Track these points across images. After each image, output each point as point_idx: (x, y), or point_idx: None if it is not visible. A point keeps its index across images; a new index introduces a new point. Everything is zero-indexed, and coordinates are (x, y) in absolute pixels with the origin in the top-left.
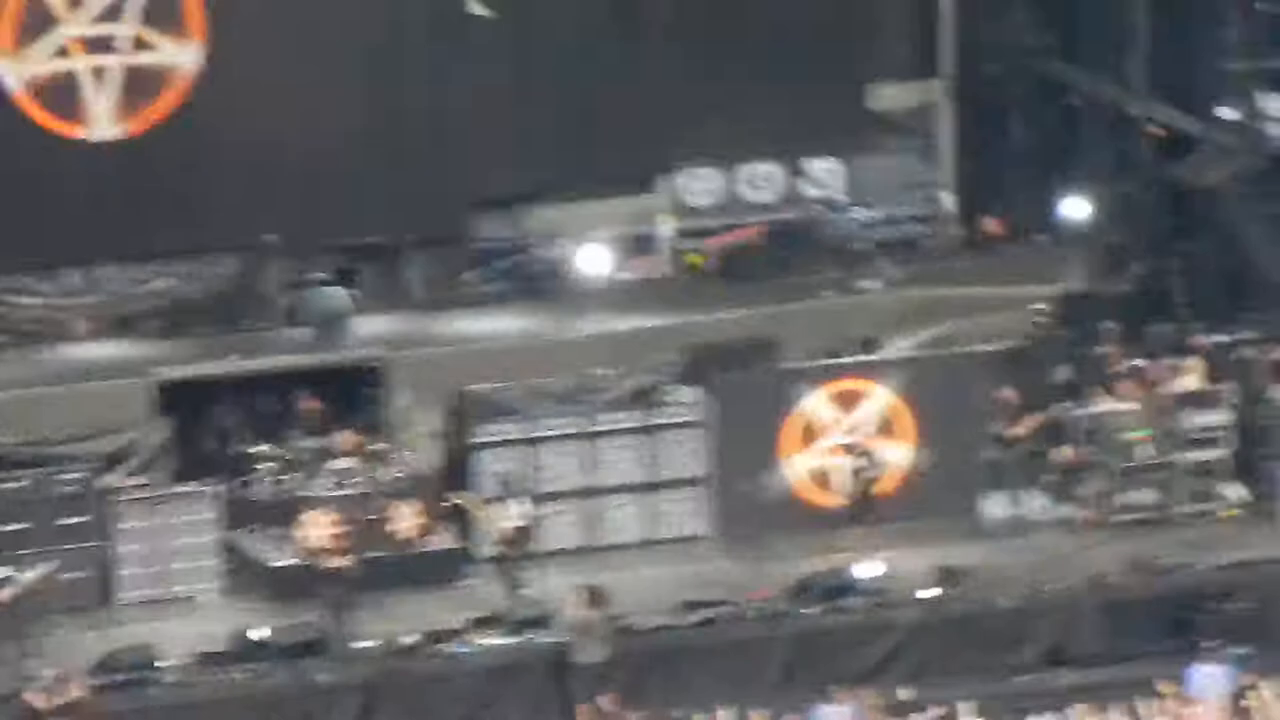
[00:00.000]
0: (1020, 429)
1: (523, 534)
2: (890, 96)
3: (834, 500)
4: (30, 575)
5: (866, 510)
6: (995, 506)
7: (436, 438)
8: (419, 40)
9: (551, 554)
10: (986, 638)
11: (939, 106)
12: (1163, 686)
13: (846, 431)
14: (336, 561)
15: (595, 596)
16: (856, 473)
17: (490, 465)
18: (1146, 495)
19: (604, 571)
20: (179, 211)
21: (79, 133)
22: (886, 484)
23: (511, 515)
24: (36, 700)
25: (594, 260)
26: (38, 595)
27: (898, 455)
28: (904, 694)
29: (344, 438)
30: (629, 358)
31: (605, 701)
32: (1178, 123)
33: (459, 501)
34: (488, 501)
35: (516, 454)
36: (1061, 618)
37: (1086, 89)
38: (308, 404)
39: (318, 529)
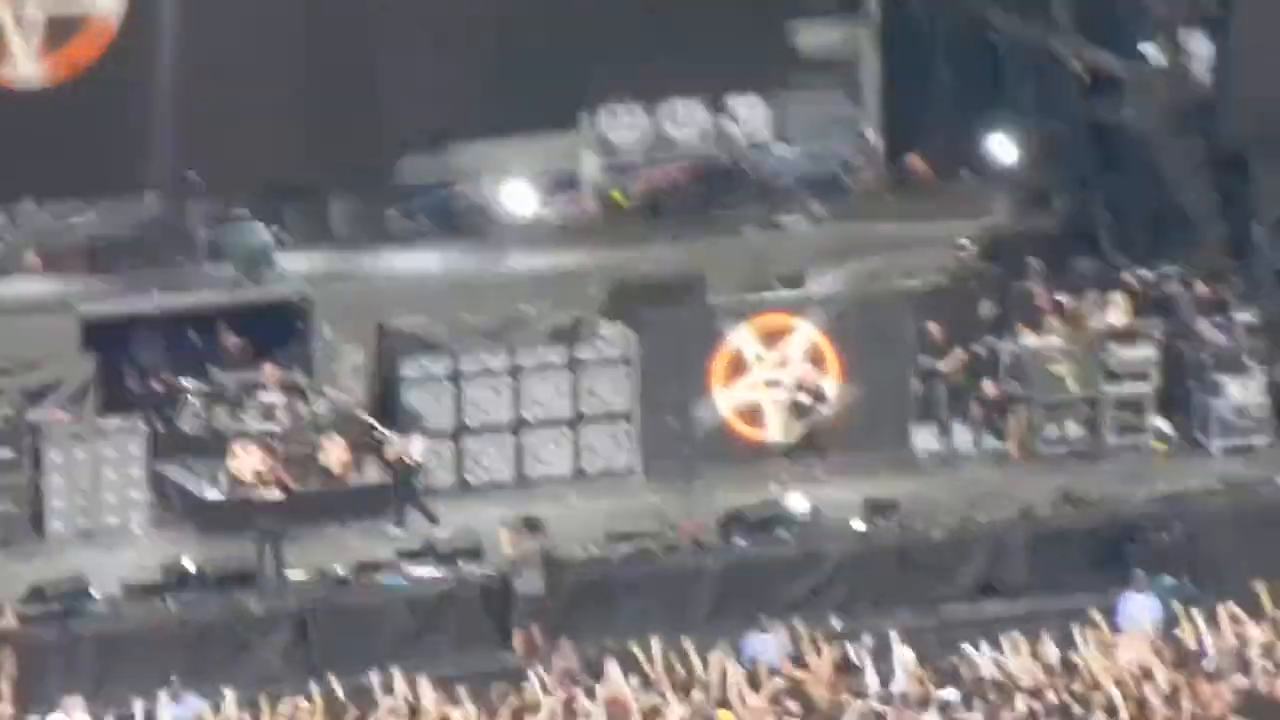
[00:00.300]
0: (946, 364)
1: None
2: (815, 35)
3: (763, 434)
4: None
5: (811, 446)
6: (924, 439)
7: (361, 373)
8: None
9: (481, 487)
10: (917, 569)
11: (863, 45)
12: (1093, 615)
13: (773, 366)
14: (266, 494)
15: (532, 527)
16: (801, 409)
17: (415, 400)
18: (1073, 429)
19: (533, 505)
20: (102, 150)
21: (2, 76)
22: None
23: (414, 449)
24: None
25: (518, 198)
26: None
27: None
28: (835, 624)
29: (267, 371)
30: (554, 295)
31: (536, 634)
32: (1102, 61)
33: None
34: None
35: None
36: (992, 549)
37: (1011, 28)
38: (229, 340)
39: (247, 462)
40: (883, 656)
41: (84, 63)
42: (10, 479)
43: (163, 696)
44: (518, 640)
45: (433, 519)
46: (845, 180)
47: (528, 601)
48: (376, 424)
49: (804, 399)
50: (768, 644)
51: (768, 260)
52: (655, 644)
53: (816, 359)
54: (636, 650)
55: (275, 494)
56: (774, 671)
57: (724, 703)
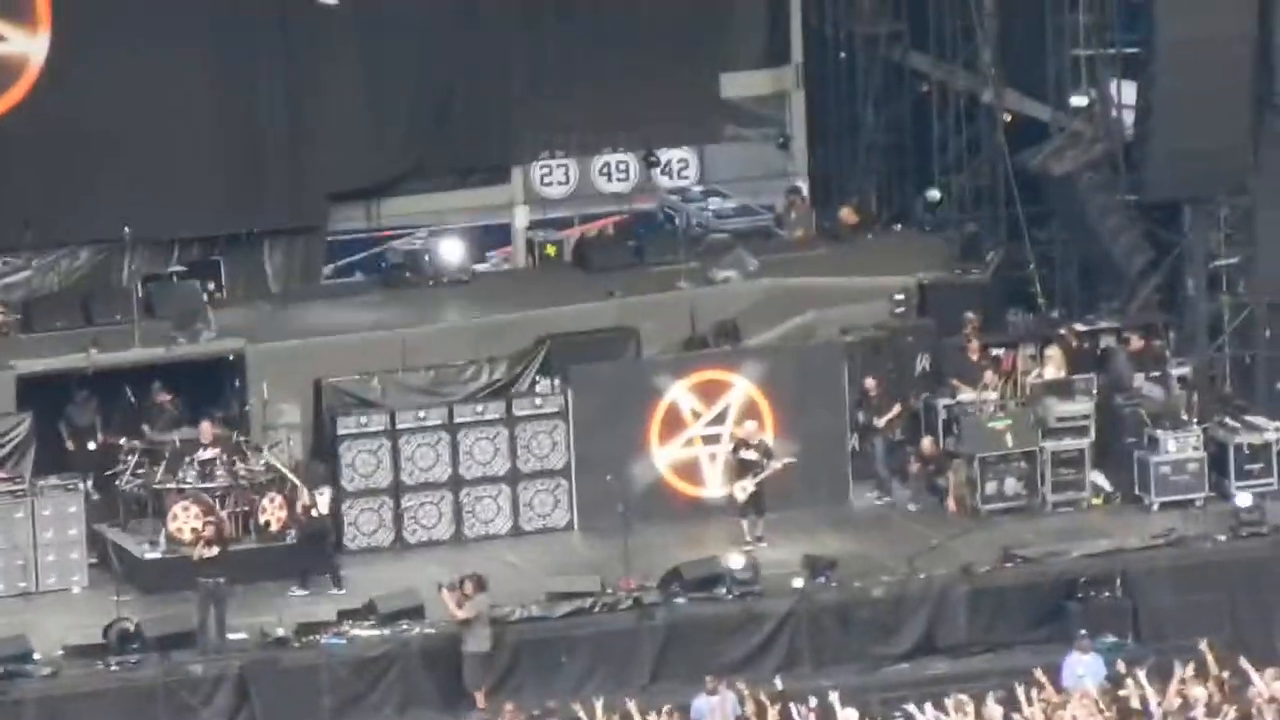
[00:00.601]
0: (882, 419)
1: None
2: (743, 86)
3: (700, 490)
4: None
5: (755, 504)
6: (861, 496)
7: (297, 430)
8: (272, 32)
9: (420, 545)
10: (858, 627)
11: (791, 95)
12: (1037, 675)
13: (710, 422)
14: (205, 553)
15: (479, 585)
16: (748, 466)
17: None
18: (1012, 485)
19: (472, 563)
20: (34, 203)
21: None
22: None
23: (321, 502)
24: None
25: (450, 251)
26: None
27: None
28: (778, 683)
29: (203, 428)
30: (487, 349)
31: (479, 696)
32: (1029, 110)
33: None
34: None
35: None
36: (933, 607)
37: (938, 76)
38: (161, 397)
39: (185, 521)
40: (825, 716)
41: (11, 110)
42: None
43: None
44: (480, 700)
45: (337, 581)
46: (777, 232)
47: (469, 661)
48: (288, 473)
49: (751, 456)
50: (715, 704)
51: (701, 314)
52: (598, 704)
53: (752, 414)
54: (579, 711)
55: (214, 553)
56: None
57: None
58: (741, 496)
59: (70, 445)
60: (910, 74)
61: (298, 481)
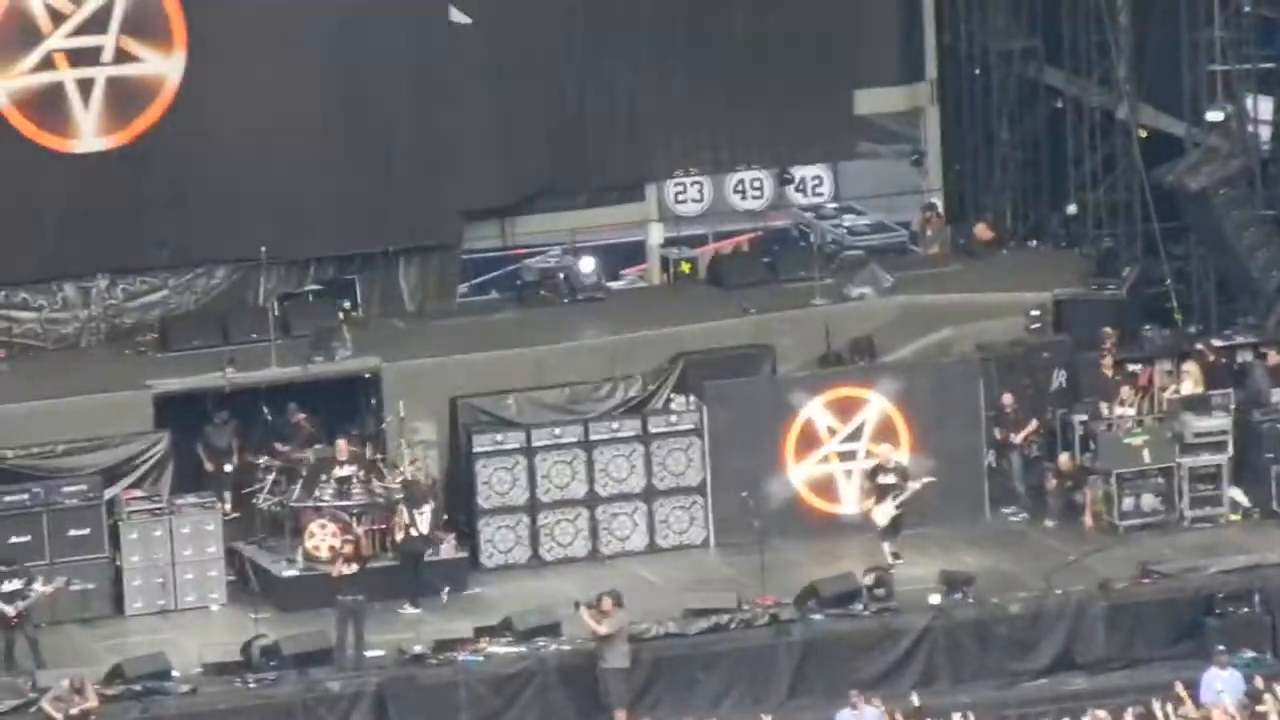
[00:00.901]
0: (1019, 435)
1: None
2: (878, 103)
3: (836, 507)
4: (42, 589)
5: (895, 527)
6: (999, 512)
7: (433, 447)
8: (406, 50)
9: (556, 562)
10: (996, 643)
11: (925, 112)
12: (1176, 691)
13: (844, 439)
14: (344, 570)
15: (617, 602)
16: (887, 490)
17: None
18: (1149, 501)
19: (608, 580)
20: (170, 223)
21: (67, 145)
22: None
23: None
24: (52, 710)
25: (586, 269)
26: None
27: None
28: (915, 700)
29: (339, 446)
30: (623, 366)
31: (620, 714)
32: (1165, 125)
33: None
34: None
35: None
36: (1070, 623)
37: (1072, 92)
38: (298, 416)
39: (322, 539)
40: None
41: (148, 130)
42: (88, 558)
43: None
44: (621, 717)
45: (438, 592)
46: (912, 249)
47: (611, 678)
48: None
49: (890, 480)
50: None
51: (836, 330)
52: None
53: (888, 431)
54: None
55: (351, 570)
56: None
57: None
58: (883, 521)
59: (209, 466)
60: (1045, 89)
61: (400, 499)
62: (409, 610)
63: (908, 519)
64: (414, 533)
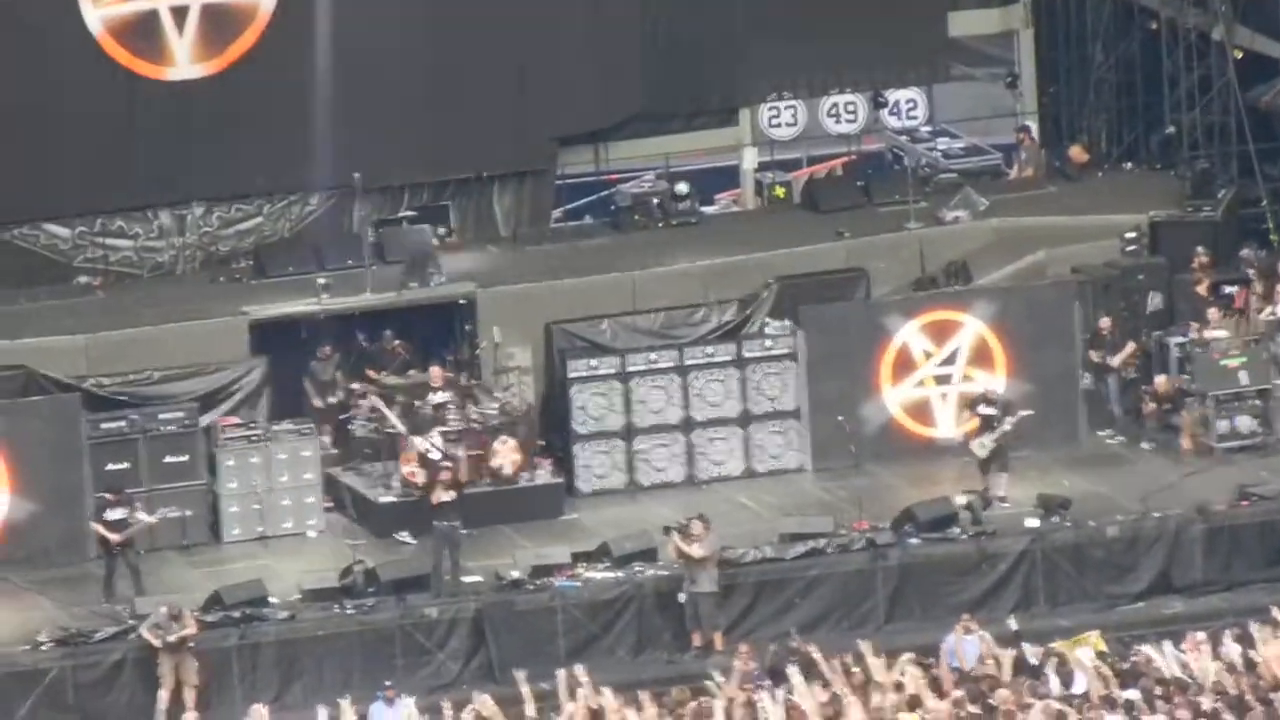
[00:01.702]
0: (1116, 358)
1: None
2: (972, 25)
3: (932, 431)
4: (145, 517)
5: (999, 460)
6: (1095, 435)
7: (528, 373)
8: None
9: (652, 487)
10: (1093, 566)
11: (1020, 33)
12: (1274, 614)
13: (940, 363)
14: (442, 497)
15: (707, 526)
16: (987, 421)
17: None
18: (1246, 423)
19: (704, 505)
20: (264, 150)
21: (162, 73)
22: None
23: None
24: (151, 637)
25: (680, 193)
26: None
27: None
28: (1013, 624)
29: (433, 373)
30: (717, 291)
31: (715, 637)
32: (1260, 47)
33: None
34: None
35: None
36: (1168, 546)
37: (1166, 14)
38: (393, 342)
39: (419, 465)
40: (1062, 657)
41: (239, 53)
42: (186, 485)
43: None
44: (696, 640)
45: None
46: (1006, 172)
47: (704, 602)
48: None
49: (991, 411)
50: (967, 644)
51: (931, 254)
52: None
53: (984, 355)
54: (814, 652)
55: (450, 496)
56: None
57: (910, 705)
58: (981, 454)
59: (316, 403)
60: (1140, 11)
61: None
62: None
63: (1008, 450)
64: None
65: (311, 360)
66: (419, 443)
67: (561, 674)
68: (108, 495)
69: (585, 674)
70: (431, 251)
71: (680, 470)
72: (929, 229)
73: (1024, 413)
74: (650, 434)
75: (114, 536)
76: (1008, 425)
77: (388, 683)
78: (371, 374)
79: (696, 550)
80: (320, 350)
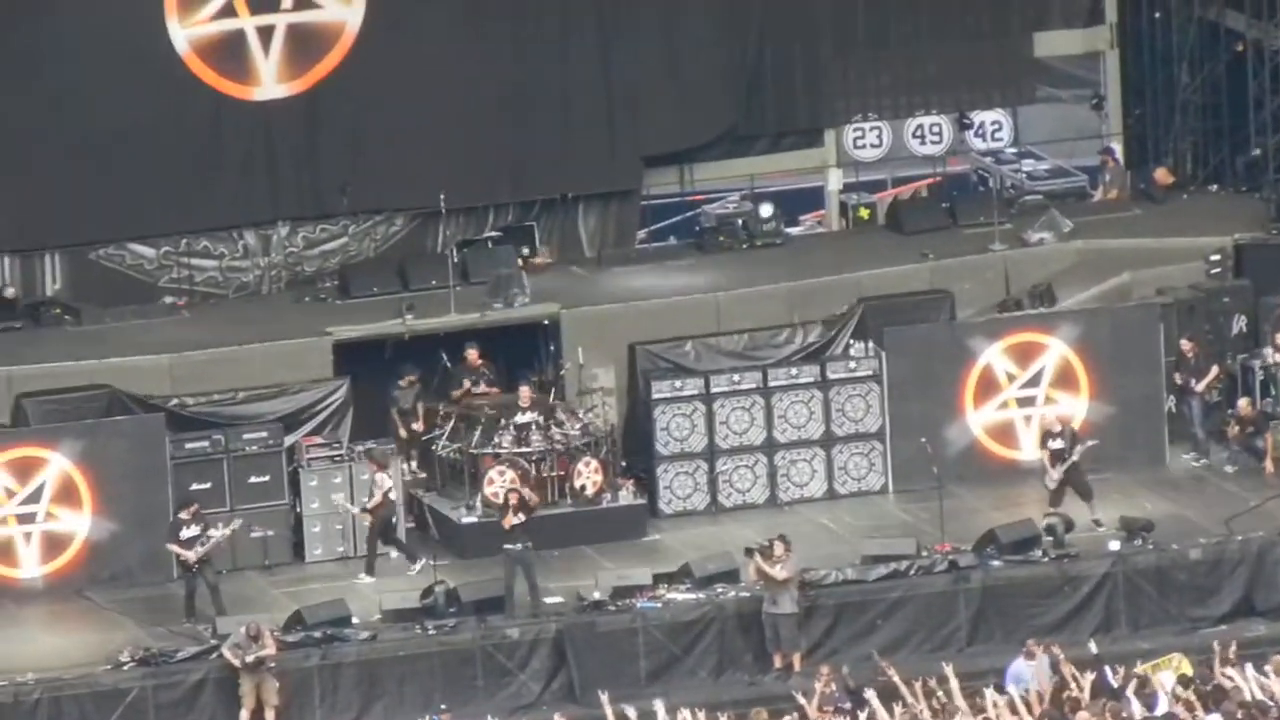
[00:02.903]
0: (1200, 381)
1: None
2: (1057, 46)
3: (1015, 453)
4: (220, 533)
5: (1081, 489)
6: (1178, 458)
7: (611, 394)
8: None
9: (733, 509)
10: (1176, 589)
11: (1105, 55)
12: None
13: (1024, 385)
14: (511, 520)
15: (788, 547)
16: (1058, 455)
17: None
18: None
19: (786, 526)
20: (349, 170)
21: (248, 92)
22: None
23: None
24: (231, 656)
25: (765, 214)
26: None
27: (1079, 409)
28: (1094, 647)
29: (522, 393)
30: (801, 312)
31: (796, 658)
32: None
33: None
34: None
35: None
36: (1250, 569)
37: (1253, 35)
38: (477, 362)
39: (501, 485)
40: (1143, 680)
41: (325, 73)
42: (269, 505)
43: None
44: (778, 662)
45: (412, 557)
46: (1091, 193)
47: (784, 623)
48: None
49: (1058, 445)
50: (1033, 669)
51: (1016, 276)
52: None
53: (1067, 377)
54: (895, 675)
55: (519, 520)
56: (1038, 696)
57: None
58: (1051, 485)
59: (401, 433)
60: (1226, 33)
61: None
62: (364, 579)
63: (1084, 475)
64: (392, 496)
65: (393, 389)
66: (384, 480)
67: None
68: (182, 514)
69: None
70: (515, 272)
71: (762, 492)
72: (1013, 251)
73: (1091, 443)
74: (733, 455)
75: (189, 554)
76: (1074, 457)
77: (443, 706)
78: (456, 394)
79: (778, 571)
80: (402, 378)
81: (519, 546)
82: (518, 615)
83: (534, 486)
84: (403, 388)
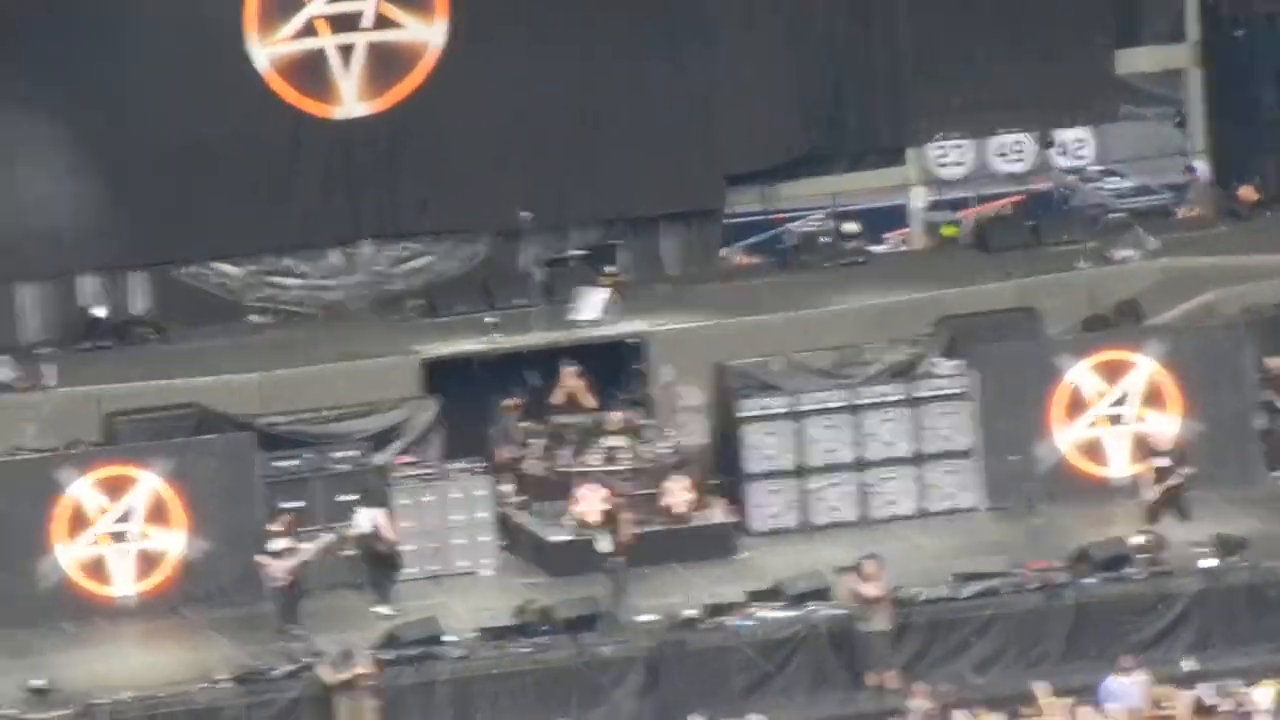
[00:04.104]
0: None
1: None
2: (1140, 63)
3: (1105, 471)
4: (311, 547)
5: (1179, 509)
6: (1270, 475)
7: (699, 413)
8: (666, 17)
9: (824, 527)
10: (1270, 607)
11: (1188, 72)
12: None
13: (1112, 403)
14: (612, 536)
15: (879, 566)
16: (1162, 473)
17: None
18: None
19: (877, 544)
20: (433, 189)
21: (328, 111)
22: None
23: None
24: (325, 675)
25: (848, 233)
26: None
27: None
28: (1187, 665)
29: (614, 418)
30: (888, 330)
31: (889, 677)
32: None
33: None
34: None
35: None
36: None
37: None
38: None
39: (591, 504)
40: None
41: (407, 92)
42: None
43: None
44: (870, 680)
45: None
46: (1176, 211)
47: (876, 641)
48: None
49: (1164, 463)
50: (1128, 687)
51: (1101, 294)
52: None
53: (1156, 394)
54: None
55: (620, 536)
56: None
57: None
58: (1150, 502)
59: (504, 453)
60: None
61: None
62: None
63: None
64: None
65: (497, 412)
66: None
67: None
68: (274, 526)
69: None
70: (601, 290)
71: (853, 509)
72: (1098, 269)
73: (1189, 470)
74: (823, 473)
75: (275, 568)
76: (1175, 480)
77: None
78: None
79: (870, 590)
80: (507, 401)
81: (615, 563)
82: (612, 633)
83: (629, 505)
84: (507, 409)
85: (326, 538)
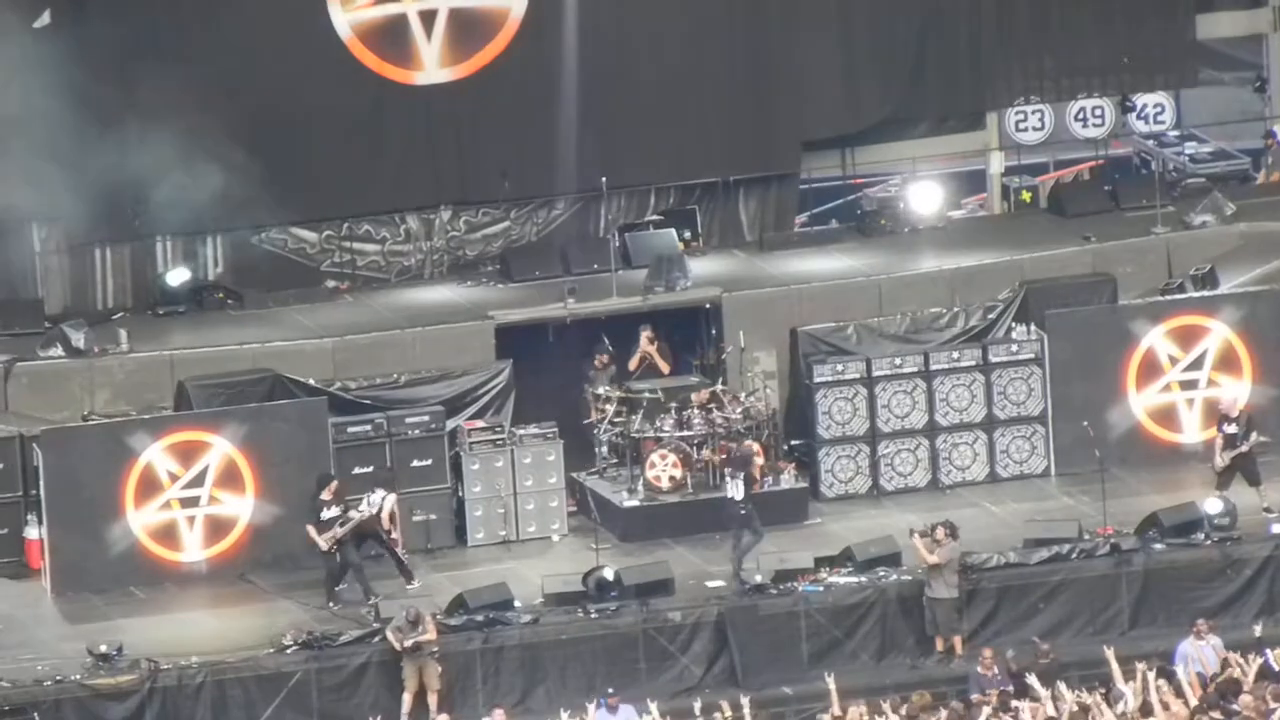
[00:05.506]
0: None
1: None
2: (1219, 28)
3: (1177, 436)
4: (358, 514)
5: (1250, 475)
6: None
7: (773, 377)
8: None
9: (895, 492)
10: None
11: (1268, 37)
12: None
13: (1185, 368)
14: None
15: (951, 532)
16: (1231, 440)
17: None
18: None
19: (948, 510)
20: (511, 154)
21: (410, 77)
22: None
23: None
24: (394, 640)
25: (925, 198)
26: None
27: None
28: (1258, 629)
29: (687, 384)
30: (963, 295)
31: (958, 642)
32: None
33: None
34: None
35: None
36: None
37: None
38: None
39: (663, 469)
40: None
41: (488, 58)
42: (431, 489)
43: (591, 708)
44: (939, 646)
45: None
46: (1254, 176)
47: (942, 607)
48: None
49: (1232, 430)
50: (1204, 649)
51: (1178, 259)
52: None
53: (1230, 359)
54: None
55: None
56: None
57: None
58: (1220, 468)
59: (595, 414)
60: None
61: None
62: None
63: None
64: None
65: (589, 370)
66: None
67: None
68: (323, 494)
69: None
70: (677, 256)
71: (924, 475)
72: (1176, 233)
73: (1263, 438)
74: (895, 439)
75: (321, 540)
76: (1245, 447)
77: (610, 689)
78: (632, 365)
79: (933, 556)
80: (597, 358)
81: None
82: (686, 598)
83: (701, 470)
84: (598, 369)
85: (375, 496)
